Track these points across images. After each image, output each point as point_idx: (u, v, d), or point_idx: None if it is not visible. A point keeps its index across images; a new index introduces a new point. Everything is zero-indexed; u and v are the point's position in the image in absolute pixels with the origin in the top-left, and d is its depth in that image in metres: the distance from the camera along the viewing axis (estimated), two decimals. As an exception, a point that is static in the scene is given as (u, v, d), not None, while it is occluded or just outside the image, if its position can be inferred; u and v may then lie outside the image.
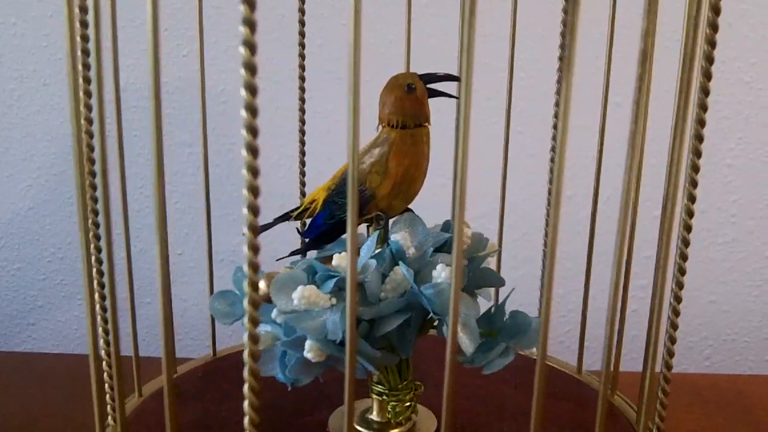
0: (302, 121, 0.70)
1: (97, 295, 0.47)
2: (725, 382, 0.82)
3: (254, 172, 0.32)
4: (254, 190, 0.33)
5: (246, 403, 0.36)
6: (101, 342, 0.48)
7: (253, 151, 0.32)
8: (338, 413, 0.58)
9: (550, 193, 0.65)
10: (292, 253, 0.56)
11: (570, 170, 0.91)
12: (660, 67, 0.57)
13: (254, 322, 0.35)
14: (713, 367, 1.00)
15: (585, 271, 0.64)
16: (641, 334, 0.57)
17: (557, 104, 0.64)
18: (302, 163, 0.70)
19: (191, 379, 0.64)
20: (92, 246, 0.47)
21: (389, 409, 0.54)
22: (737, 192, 0.93)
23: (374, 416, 0.55)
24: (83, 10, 0.42)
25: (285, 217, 0.56)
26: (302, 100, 0.69)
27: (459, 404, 0.60)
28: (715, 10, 0.41)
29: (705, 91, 0.42)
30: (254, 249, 0.34)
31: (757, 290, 0.97)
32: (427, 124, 0.51)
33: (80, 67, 0.44)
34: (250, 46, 0.31)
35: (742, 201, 0.93)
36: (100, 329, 0.48)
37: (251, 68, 0.31)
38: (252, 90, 0.32)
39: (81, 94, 0.44)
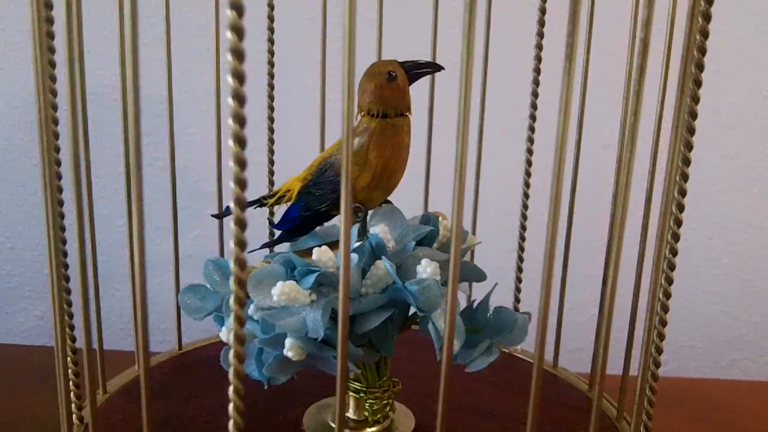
0: (271, 108, 0.68)
1: (60, 289, 0.45)
2: (686, 385, 0.83)
3: (241, 142, 0.31)
4: (241, 163, 0.31)
5: (231, 407, 0.34)
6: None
7: (240, 120, 0.30)
8: (312, 410, 0.56)
9: (528, 186, 0.64)
10: (264, 246, 0.54)
11: (547, 169, 0.90)
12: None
13: (241, 322, 0.33)
14: (670, 372, 1.00)
15: (562, 267, 0.63)
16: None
17: (534, 93, 0.63)
18: (271, 151, 0.68)
19: (157, 376, 0.62)
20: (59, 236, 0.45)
21: (367, 407, 0.52)
22: (696, 198, 0.93)
23: (351, 414, 0.54)
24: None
25: (257, 202, 0.54)
26: (271, 98, 0.67)
27: (433, 402, 0.58)
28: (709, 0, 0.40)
29: (697, 83, 0.41)
30: (241, 224, 0.32)
31: (715, 296, 0.97)
32: (408, 113, 0.49)
33: (46, 50, 0.41)
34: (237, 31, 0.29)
35: (703, 207, 0.93)
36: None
37: (239, 54, 0.29)
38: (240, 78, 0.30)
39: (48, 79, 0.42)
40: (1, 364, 0.81)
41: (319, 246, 0.47)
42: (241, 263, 0.32)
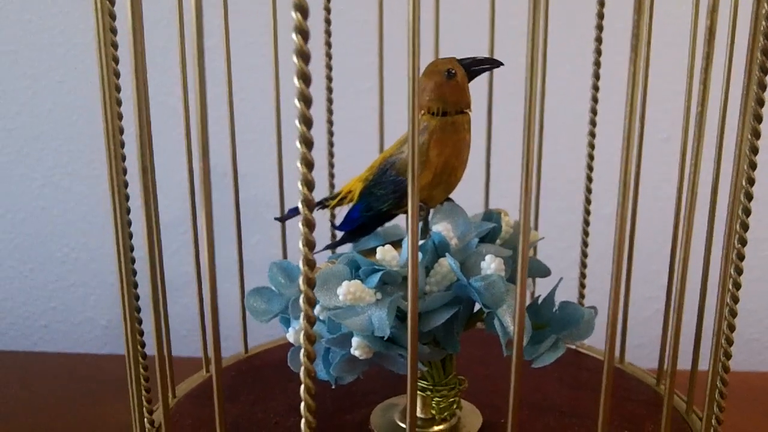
0: (330, 112, 0.68)
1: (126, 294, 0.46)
2: (755, 380, 0.80)
3: (308, 144, 0.31)
4: (308, 164, 0.31)
5: (303, 406, 0.35)
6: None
7: (307, 122, 0.31)
8: (379, 410, 0.56)
9: (590, 181, 0.63)
10: (327, 248, 0.55)
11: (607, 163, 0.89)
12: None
13: (311, 321, 0.34)
14: (735, 366, 0.98)
15: (627, 262, 0.63)
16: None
17: (595, 86, 0.62)
18: (331, 154, 0.69)
19: (224, 380, 0.63)
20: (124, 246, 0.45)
21: (433, 405, 0.52)
22: (761, 187, 0.91)
23: (417, 413, 0.54)
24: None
25: (320, 204, 0.54)
26: (329, 101, 0.68)
27: (499, 399, 0.59)
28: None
29: (764, 70, 0.40)
30: (310, 225, 0.32)
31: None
32: (468, 110, 0.49)
33: (111, 60, 0.42)
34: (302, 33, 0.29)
35: (767, 198, 0.91)
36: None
37: (304, 56, 0.30)
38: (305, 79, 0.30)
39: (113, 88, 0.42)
40: (70, 373, 0.83)
41: (382, 246, 0.47)
42: (311, 264, 0.33)
